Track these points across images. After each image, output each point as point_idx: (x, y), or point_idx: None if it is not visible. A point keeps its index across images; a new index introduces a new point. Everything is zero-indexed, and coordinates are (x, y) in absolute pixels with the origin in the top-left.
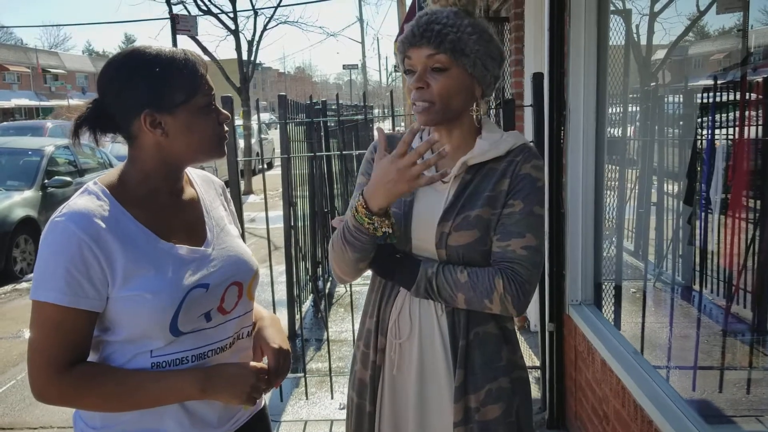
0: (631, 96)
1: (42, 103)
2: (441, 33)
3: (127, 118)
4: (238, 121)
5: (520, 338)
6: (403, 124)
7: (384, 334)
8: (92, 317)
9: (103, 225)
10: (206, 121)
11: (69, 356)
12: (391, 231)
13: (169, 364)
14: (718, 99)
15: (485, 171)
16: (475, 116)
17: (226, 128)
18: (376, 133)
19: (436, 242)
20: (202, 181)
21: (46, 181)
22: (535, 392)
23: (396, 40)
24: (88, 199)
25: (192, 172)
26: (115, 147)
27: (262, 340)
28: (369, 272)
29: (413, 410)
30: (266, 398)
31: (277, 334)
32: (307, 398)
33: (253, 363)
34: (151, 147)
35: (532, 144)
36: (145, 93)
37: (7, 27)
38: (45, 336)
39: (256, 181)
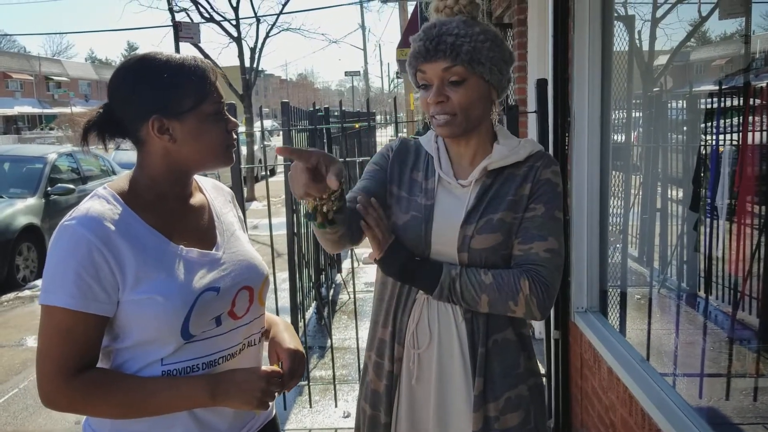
0: (634, 102)
1: (45, 110)
2: (455, 45)
3: (135, 123)
4: (241, 128)
5: None
6: (405, 130)
7: (401, 343)
8: (102, 322)
9: (113, 228)
10: (214, 128)
11: (78, 362)
12: (312, 212)
13: (179, 372)
14: (722, 105)
15: (505, 175)
16: (495, 120)
17: (235, 136)
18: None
19: (458, 245)
20: (212, 188)
21: (49, 188)
22: None
23: (398, 47)
24: (97, 203)
25: (201, 180)
26: (118, 154)
27: (277, 343)
28: (374, 282)
29: (433, 420)
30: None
31: (291, 338)
32: (311, 406)
33: (263, 367)
34: (158, 153)
35: (545, 150)
36: (153, 98)
37: (10, 35)
38: (54, 341)
39: (259, 187)
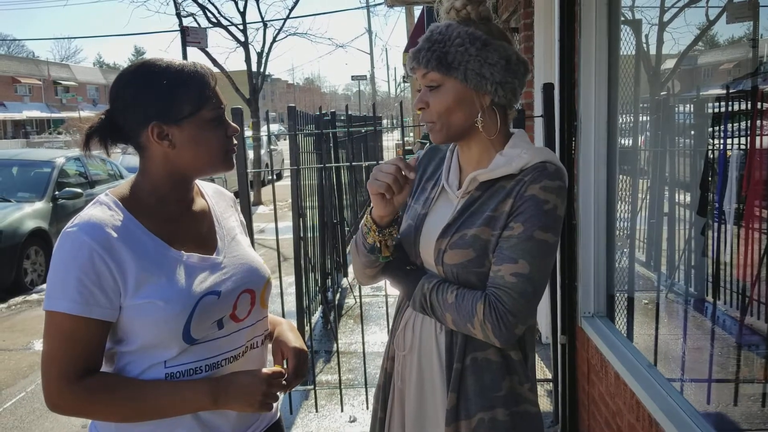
0: (642, 106)
1: (53, 114)
2: (429, 51)
3: (135, 129)
4: (248, 133)
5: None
6: (411, 134)
7: (394, 343)
8: (105, 327)
9: (115, 234)
10: (214, 134)
11: (82, 366)
12: (378, 246)
13: (183, 375)
14: (730, 108)
15: (495, 189)
16: (480, 127)
17: (235, 141)
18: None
19: (434, 258)
20: (214, 193)
21: (56, 192)
22: (548, 405)
23: (405, 52)
24: (99, 209)
25: (203, 185)
26: (126, 158)
27: (282, 342)
28: (381, 286)
29: (412, 423)
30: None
31: (296, 338)
32: (317, 411)
33: (264, 369)
34: (159, 158)
35: (552, 163)
36: (153, 105)
37: (19, 40)
38: (58, 346)
39: (266, 191)
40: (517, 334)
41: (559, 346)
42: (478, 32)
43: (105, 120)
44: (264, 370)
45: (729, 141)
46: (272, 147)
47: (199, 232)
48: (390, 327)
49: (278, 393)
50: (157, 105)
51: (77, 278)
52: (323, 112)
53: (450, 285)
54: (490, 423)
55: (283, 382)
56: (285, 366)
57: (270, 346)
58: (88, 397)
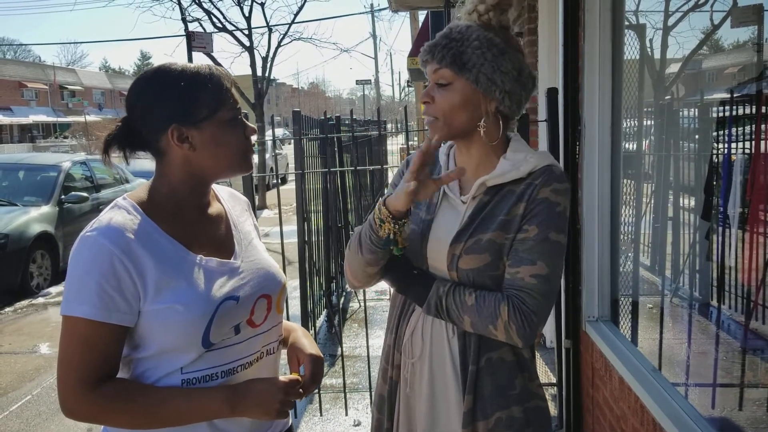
0: (646, 110)
1: (59, 119)
2: (445, 47)
3: (155, 133)
4: (253, 137)
5: (536, 354)
6: (416, 138)
7: (400, 350)
8: (123, 332)
9: (134, 238)
10: (233, 135)
11: (99, 372)
12: (393, 237)
13: (199, 381)
14: (734, 113)
15: (504, 193)
16: (482, 132)
17: (254, 141)
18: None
19: (447, 264)
20: (229, 197)
21: (63, 196)
22: (552, 410)
23: (409, 56)
24: (118, 213)
25: (218, 189)
26: (131, 162)
27: (298, 349)
28: (385, 290)
29: (424, 430)
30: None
31: (311, 344)
32: (321, 415)
33: (281, 377)
34: (178, 161)
35: (557, 166)
36: (172, 108)
37: (26, 44)
38: (75, 351)
39: (271, 195)
40: (538, 333)
41: (563, 351)
42: (497, 39)
43: (123, 127)
44: (281, 377)
45: (733, 145)
46: (277, 151)
47: (216, 236)
48: (393, 335)
49: (294, 401)
50: (176, 108)
51: (97, 282)
52: (328, 116)
53: (466, 287)
54: (508, 421)
55: (300, 389)
56: (301, 373)
57: (284, 352)
58: (105, 404)
